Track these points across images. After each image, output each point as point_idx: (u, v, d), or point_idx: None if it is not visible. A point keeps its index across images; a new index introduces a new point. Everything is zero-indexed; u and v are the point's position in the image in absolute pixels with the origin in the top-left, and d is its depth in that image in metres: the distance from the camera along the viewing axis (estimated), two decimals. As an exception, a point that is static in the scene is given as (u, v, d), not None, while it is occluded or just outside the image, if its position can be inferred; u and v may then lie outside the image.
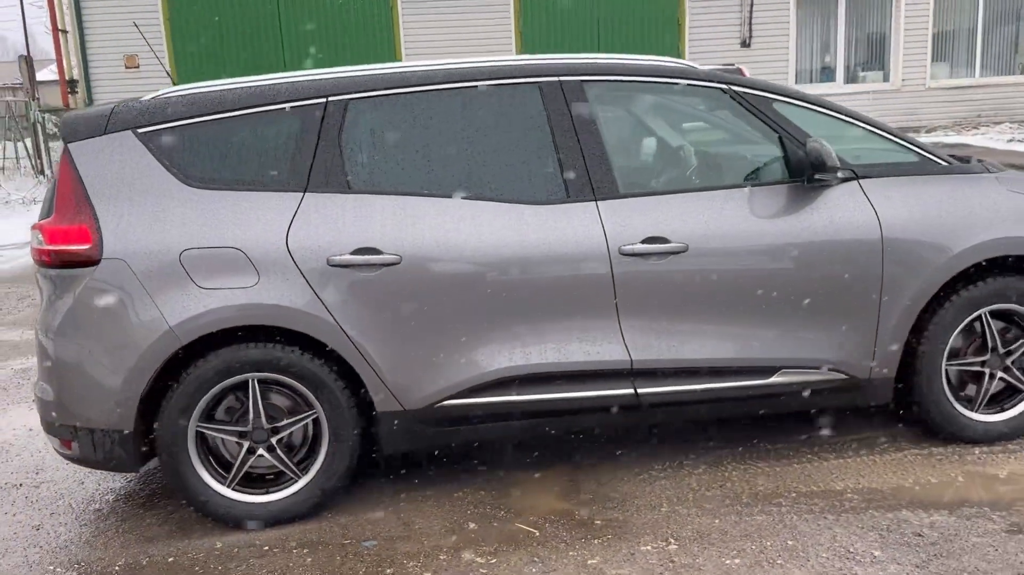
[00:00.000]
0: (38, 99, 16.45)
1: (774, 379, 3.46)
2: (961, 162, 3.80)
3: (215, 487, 3.27)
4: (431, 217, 3.25)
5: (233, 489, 3.29)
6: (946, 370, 3.59)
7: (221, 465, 3.31)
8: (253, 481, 3.34)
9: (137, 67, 16.63)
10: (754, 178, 3.47)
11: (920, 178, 3.53)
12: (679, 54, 17.01)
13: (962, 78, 17.99)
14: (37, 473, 3.96)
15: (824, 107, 3.56)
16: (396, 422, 3.31)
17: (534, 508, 3.35)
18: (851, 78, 17.84)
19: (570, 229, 3.29)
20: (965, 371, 3.65)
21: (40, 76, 26.72)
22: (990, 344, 3.61)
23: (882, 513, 3.14)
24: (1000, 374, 3.64)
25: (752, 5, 17.00)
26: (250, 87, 3.35)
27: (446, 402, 3.31)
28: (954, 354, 3.62)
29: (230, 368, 3.19)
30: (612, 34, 16.99)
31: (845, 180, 3.43)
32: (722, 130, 3.72)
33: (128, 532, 3.36)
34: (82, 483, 3.81)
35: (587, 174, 3.33)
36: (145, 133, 3.25)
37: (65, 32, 16.61)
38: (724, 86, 3.47)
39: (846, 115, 3.58)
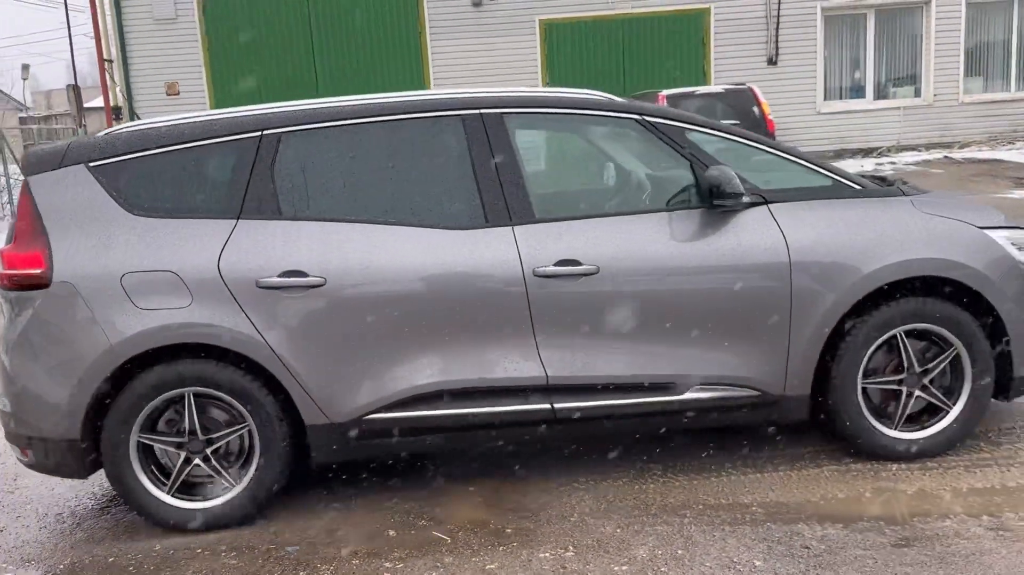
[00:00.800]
0: (84, 126, 17.24)
1: (687, 395, 3.59)
2: (884, 185, 3.90)
3: (156, 493, 3.52)
4: (356, 242, 3.47)
5: (173, 495, 3.53)
6: (864, 388, 3.68)
7: (164, 473, 3.56)
8: (195, 488, 3.59)
9: (178, 94, 17.35)
10: (666, 204, 3.62)
11: (831, 202, 3.64)
12: (704, 73, 17.12)
13: (997, 92, 17.70)
14: (15, 479, 4.27)
15: (738, 136, 3.70)
16: (324, 435, 3.52)
17: (455, 517, 3.53)
18: (881, 94, 17.71)
19: (487, 252, 3.48)
20: (885, 389, 3.73)
21: (97, 103, 27.90)
22: (906, 363, 3.69)
23: (779, 526, 3.25)
24: (918, 392, 3.71)
25: (778, 23, 17.01)
26: (192, 123, 3.63)
27: (371, 416, 3.51)
28: (874, 372, 3.71)
29: (167, 383, 3.44)
30: (637, 55, 17.16)
31: (754, 204, 3.56)
32: (637, 158, 3.88)
33: (81, 534, 3.64)
34: (52, 490, 4.10)
35: (504, 201, 3.53)
36: (96, 166, 3.54)
37: (111, 61, 17.38)
38: (637, 116, 3.64)
39: (760, 143, 3.71)
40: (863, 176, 4.12)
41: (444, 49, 17.00)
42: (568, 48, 17.18)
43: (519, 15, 16.93)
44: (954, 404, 3.73)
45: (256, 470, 3.53)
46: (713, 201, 3.45)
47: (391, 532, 3.44)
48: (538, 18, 16.96)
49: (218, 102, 17.24)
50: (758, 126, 11.37)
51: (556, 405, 3.56)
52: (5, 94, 36.28)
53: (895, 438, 3.72)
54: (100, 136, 3.67)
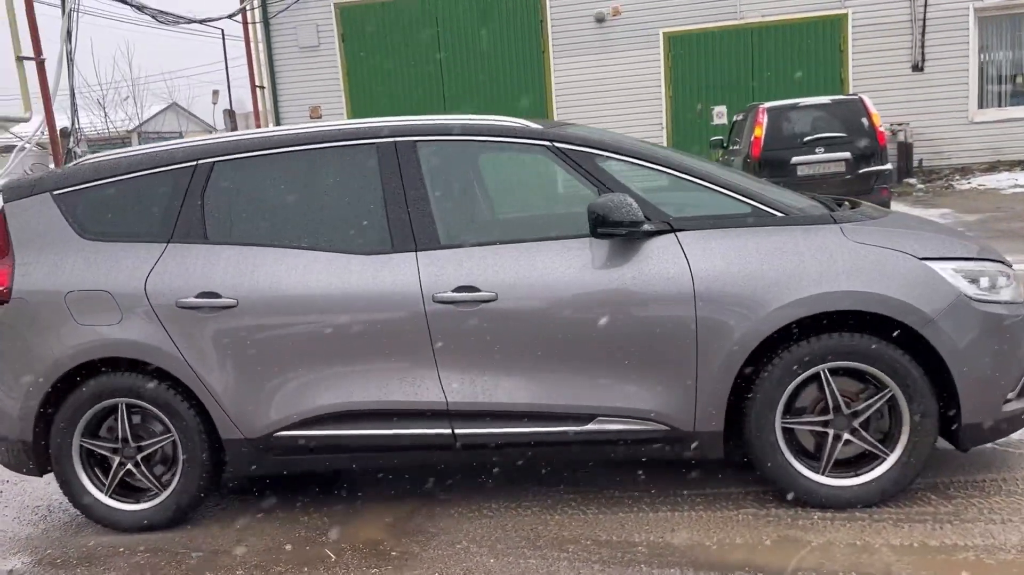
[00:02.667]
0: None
1: (591, 426, 3.50)
2: (837, 210, 3.64)
3: (95, 494, 3.83)
4: (268, 265, 3.65)
5: (110, 497, 3.84)
6: (785, 428, 3.44)
7: (108, 475, 3.87)
8: (134, 491, 3.87)
9: (320, 117, 18.45)
10: (571, 231, 3.54)
11: (747, 230, 3.43)
12: (842, 81, 16.25)
13: None
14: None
15: (653, 161, 3.56)
16: (239, 449, 3.71)
17: (356, 535, 3.61)
18: (1049, 100, 16.09)
19: (391, 277, 3.55)
20: (813, 431, 3.47)
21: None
22: (831, 404, 3.42)
23: (651, 569, 3.10)
24: (847, 436, 3.42)
25: (924, 26, 15.87)
26: (139, 154, 3.93)
27: (280, 433, 3.67)
28: (801, 411, 3.47)
29: (103, 393, 3.75)
30: (768, 65, 16.54)
31: (660, 232, 3.43)
32: (548, 185, 3.81)
33: (41, 527, 4.02)
34: (46, 487, 4.49)
35: (410, 227, 3.58)
36: (58, 195, 3.91)
37: (262, 88, 18.76)
38: (547, 143, 3.60)
39: (676, 168, 3.55)
40: (815, 200, 3.86)
41: (567, 66, 17.12)
42: (693, 60, 16.82)
43: (642, 29, 16.77)
44: (891, 451, 3.42)
45: (179, 479, 3.77)
46: (597, 230, 3.35)
47: (288, 546, 3.57)
48: (662, 31, 16.72)
49: (355, 123, 18.18)
50: (868, 138, 10.67)
51: (457, 431, 3.57)
52: (196, 116, 39.77)
53: (820, 484, 3.45)
54: (67, 167, 4.05)
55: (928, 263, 3.35)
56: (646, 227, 3.39)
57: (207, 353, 3.65)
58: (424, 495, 3.94)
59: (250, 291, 3.62)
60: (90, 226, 3.86)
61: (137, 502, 3.84)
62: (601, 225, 3.32)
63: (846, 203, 3.84)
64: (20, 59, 12.06)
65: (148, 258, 3.74)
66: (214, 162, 3.81)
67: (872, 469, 3.44)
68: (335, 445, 3.66)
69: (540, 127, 3.67)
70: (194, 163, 3.82)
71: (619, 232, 3.35)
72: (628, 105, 17.04)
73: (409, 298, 3.52)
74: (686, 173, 3.55)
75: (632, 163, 3.57)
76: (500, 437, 3.56)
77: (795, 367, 3.37)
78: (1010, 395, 3.40)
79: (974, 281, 3.37)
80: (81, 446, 3.82)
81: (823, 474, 3.45)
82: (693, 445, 3.49)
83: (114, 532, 3.83)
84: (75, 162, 4.07)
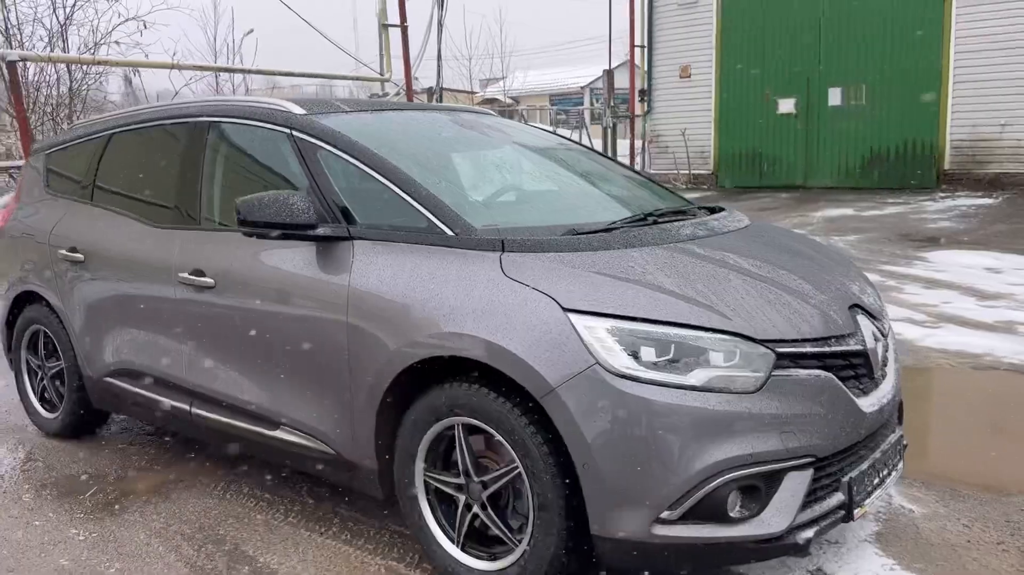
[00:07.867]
0: (613, 106, 19.13)
1: (277, 433, 3.35)
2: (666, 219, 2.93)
3: (32, 399, 4.74)
4: (105, 228, 4.11)
5: (40, 405, 4.71)
6: (427, 482, 2.94)
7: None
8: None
9: (689, 76, 18.02)
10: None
11: (411, 247, 2.91)
12: None
13: None
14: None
15: (363, 161, 3.17)
16: (90, 385, 4.29)
17: (134, 481, 3.95)
18: None
19: (158, 251, 3.77)
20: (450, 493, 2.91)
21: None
22: (461, 466, 2.81)
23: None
24: (477, 508, 2.80)
25: None
26: (86, 122, 4.63)
27: (106, 378, 4.15)
28: (452, 467, 2.93)
29: (33, 320, 4.60)
30: None
31: (341, 238, 3.10)
32: (289, 174, 3.54)
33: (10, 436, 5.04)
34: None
35: (184, 204, 3.75)
36: (46, 153, 4.82)
37: (642, 47, 18.84)
38: (287, 130, 3.43)
39: (384, 174, 3.11)
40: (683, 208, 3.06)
41: (972, 14, 14.18)
42: None
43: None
44: (520, 542, 2.72)
45: (66, 400, 4.48)
46: (243, 230, 3.13)
47: (85, 477, 4.06)
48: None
49: (723, 85, 17.45)
50: None
51: (193, 410, 3.69)
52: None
53: (452, 558, 2.87)
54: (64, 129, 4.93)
55: (572, 316, 2.54)
56: (321, 231, 3.09)
57: (72, 299, 4.26)
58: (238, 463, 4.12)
59: (91, 250, 4.13)
60: (50, 182, 4.69)
61: (52, 412, 4.66)
62: (242, 224, 3.12)
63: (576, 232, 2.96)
64: (385, 26, 13.92)
65: (60, 212, 4.45)
66: (111, 133, 4.34)
67: (503, 556, 2.78)
68: (131, 400, 4.04)
69: (298, 112, 3.49)
70: (103, 132, 4.40)
71: (264, 233, 3.10)
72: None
73: (164, 275, 3.71)
74: (387, 176, 3.10)
75: (346, 161, 3.24)
76: (219, 425, 3.59)
77: (429, 415, 2.85)
78: (665, 514, 2.46)
79: (631, 348, 2.47)
80: (25, 359, 4.74)
81: (458, 547, 2.88)
82: (357, 478, 3.15)
83: (41, 435, 4.70)
84: (70, 126, 4.93)
